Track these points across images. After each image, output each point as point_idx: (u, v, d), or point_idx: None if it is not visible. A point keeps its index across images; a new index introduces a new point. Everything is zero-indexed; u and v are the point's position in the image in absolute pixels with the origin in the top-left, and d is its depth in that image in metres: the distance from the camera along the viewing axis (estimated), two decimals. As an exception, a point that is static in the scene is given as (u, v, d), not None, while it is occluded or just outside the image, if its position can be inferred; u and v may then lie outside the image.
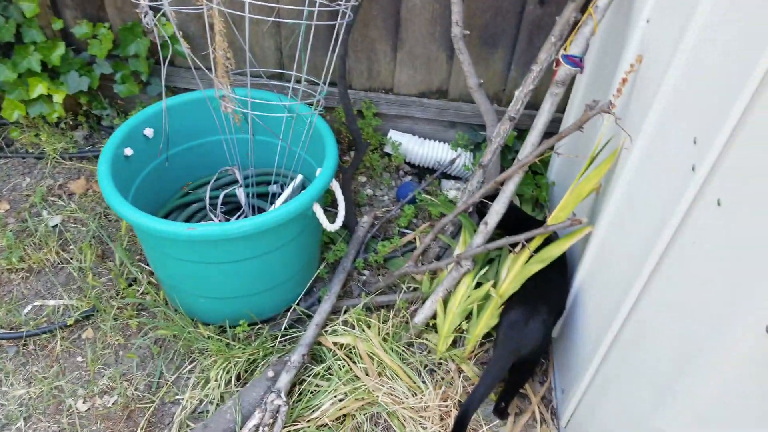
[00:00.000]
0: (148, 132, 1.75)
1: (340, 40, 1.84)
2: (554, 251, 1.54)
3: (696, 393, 0.90)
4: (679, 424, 0.95)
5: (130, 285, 1.85)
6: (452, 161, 2.17)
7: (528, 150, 1.60)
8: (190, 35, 2.11)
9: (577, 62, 1.50)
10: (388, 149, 2.23)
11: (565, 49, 1.51)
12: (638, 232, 1.18)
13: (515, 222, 1.72)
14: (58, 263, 1.93)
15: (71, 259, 1.93)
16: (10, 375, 1.63)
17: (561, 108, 1.97)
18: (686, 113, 1.05)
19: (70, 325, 1.75)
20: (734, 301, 0.81)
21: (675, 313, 1.01)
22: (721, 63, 0.94)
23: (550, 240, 1.57)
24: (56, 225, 2.03)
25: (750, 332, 0.77)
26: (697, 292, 0.94)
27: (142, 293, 1.83)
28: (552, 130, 1.54)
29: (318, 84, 1.69)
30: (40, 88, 2.11)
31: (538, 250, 1.55)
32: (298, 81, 1.87)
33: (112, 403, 1.59)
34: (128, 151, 1.68)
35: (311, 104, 1.70)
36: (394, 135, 2.22)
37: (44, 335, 1.72)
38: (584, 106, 1.37)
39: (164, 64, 1.74)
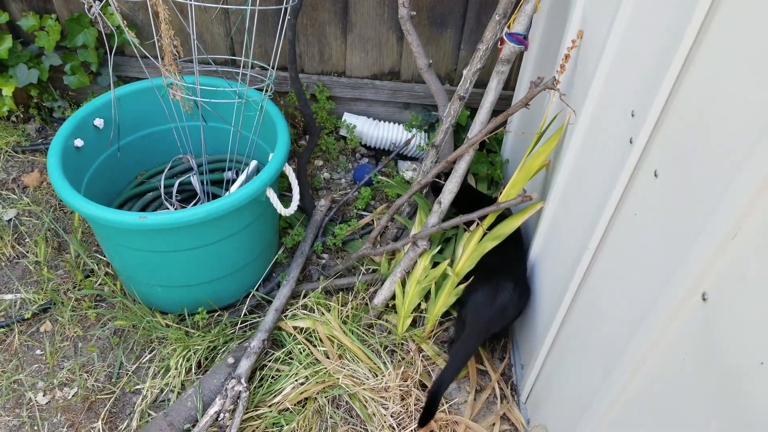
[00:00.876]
0: (99, 122, 1.73)
1: (286, 24, 1.82)
2: (507, 228, 1.56)
3: (641, 361, 0.92)
4: (626, 393, 0.98)
5: (87, 276, 1.84)
6: (407, 142, 2.18)
7: (477, 129, 1.62)
8: (139, 25, 2.08)
9: (520, 40, 1.52)
10: (343, 132, 2.23)
11: (509, 27, 1.52)
12: (585, 205, 1.20)
13: (469, 201, 1.74)
14: (14, 257, 1.91)
15: (27, 252, 1.91)
16: (-33, 372, 1.62)
17: (512, 86, 1.99)
18: (624, 87, 1.07)
19: (28, 319, 1.74)
20: (673, 269, 0.83)
21: (620, 283, 1.04)
22: (653, 36, 0.96)
23: (503, 217, 1.59)
24: (11, 219, 2.01)
25: (688, 300, 0.80)
26: (640, 263, 0.96)
27: (99, 284, 1.82)
28: (503, 109, 1.55)
29: (269, 69, 1.68)
30: (-12, 82, 2.07)
31: (492, 227, 1.57)
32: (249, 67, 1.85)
33: (73, 395, 1.58)
34: (78, 143, 1.66)
35: (262, 89, 1.70)
36: (348, 118, 2.22)
37: (2, 329, 1.71)
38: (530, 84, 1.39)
39: (111, 54, 1.73)
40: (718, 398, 0.73)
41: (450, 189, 1.64)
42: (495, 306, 1.50)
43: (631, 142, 0.99)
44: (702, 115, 0.81)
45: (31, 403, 1.56)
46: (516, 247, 1.63)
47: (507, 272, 1.55)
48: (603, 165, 1.13)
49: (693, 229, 0.80)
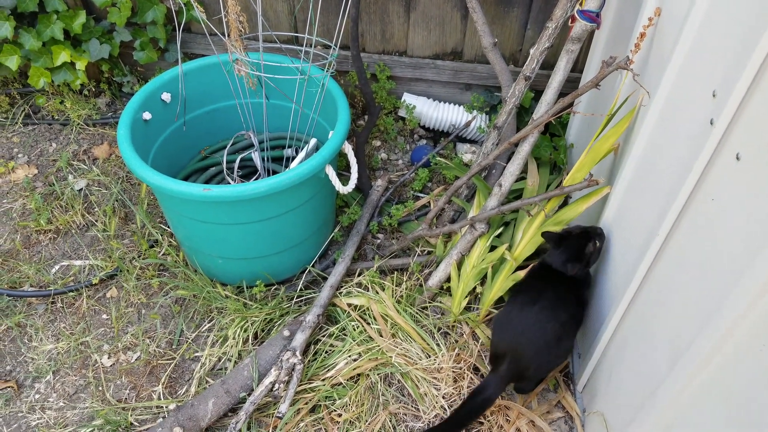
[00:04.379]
0: (166, 97, 1.78)
1: (350, 1, 1.82)
2: (570, 213, 1.52)
3: (713, 352, 0.89)
4: (694, 384, 0.95)
5: (152, 246, 1.90)
6: (467, 124, 2.14)
7: (543, 109, 1.58)
8: (206, 2, 2.12)
9: (593, 17, 1.47)
10: (402, 113, 2.21)
11: (580, 4, 1.47)
12: (657, 191, 1.16)
13: None
14: (84, 225, 1.99)
15: (96, 221, 1.99)
16: (40, 331, 1.71)
17: (580, 68, 1.92)
18: (705, 66, 1.01)
19: (96, 284, 1.81)
20: (753, 257, 0.79)
21: (693, 271, 1.00)
22: (738, 13, 0.91)
23: (567, 203, 1.55)
24: (81, 189, 2.10)
25: (769, 289, 0.76)
26: (716, 250, 0.92)
27: (162, 254, 1.88)
28: (569, 92, 1.51)
29: (331, 47, 1.68)
30: (63, 56, 2.15)
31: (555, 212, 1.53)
32: (312, 44, 1.86)
33: (136, 359, 1.65)
34: (147, 116, 1.71)
35: (324, 67, 1.70)
36: (408, 98, 2.20)
37: (71, 294, 1.79)
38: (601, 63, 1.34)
39: (179, 30, 1.76)
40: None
41: (511, 171, 1.61)
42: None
43: (711, 124, 0.95)
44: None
45: (97, 365, 1.64)
46: (566, 318, 1.42)
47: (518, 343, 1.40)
48: (678, 148, 1.08)
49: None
